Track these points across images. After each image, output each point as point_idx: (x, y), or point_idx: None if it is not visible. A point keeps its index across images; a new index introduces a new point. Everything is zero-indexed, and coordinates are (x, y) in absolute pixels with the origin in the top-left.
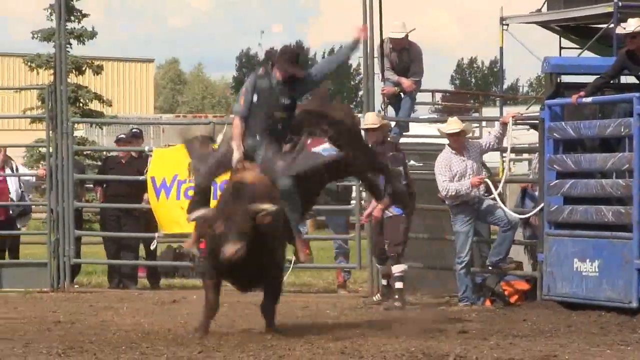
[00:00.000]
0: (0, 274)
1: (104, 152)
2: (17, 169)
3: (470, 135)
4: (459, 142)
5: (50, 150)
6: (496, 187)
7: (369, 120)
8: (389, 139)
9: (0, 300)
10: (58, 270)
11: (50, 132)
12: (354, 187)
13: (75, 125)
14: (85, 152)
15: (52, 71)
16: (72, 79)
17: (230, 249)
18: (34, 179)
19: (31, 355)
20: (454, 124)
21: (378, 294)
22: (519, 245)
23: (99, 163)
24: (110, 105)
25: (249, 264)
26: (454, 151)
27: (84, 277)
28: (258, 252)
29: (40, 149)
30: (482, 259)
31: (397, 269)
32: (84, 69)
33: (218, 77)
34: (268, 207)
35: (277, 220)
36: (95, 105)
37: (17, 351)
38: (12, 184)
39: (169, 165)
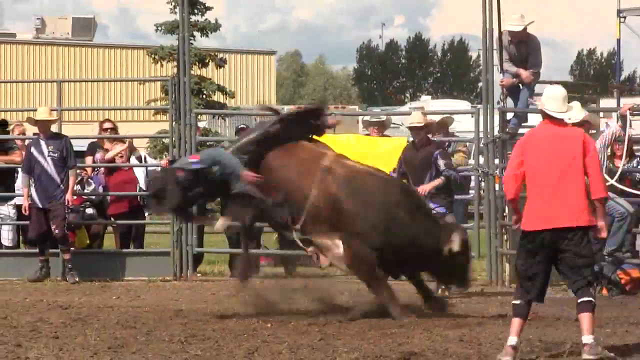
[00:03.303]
0: (125, 263)
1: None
2: (145, 159)
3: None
4: None
5: (174, 140)
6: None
7: (414, 118)
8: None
9: (124, 288)
10: (181, 259)
11: (174, 123)
12: (472, 177)
13: (199, 117)
14: (208, 143)
15: (175, 63)
16: (196, 71)
17: None
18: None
19: (153, 343)
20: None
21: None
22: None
23: None
24: (233, 97)
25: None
26: None
27: (206, 265)
28: None
29: (164, 139)
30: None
31: None
32: (207, 61)
33: (339, 68)
34: None
35: None
36: (218, 97)
37: (140, 339)
38: (141, 174)
39: None
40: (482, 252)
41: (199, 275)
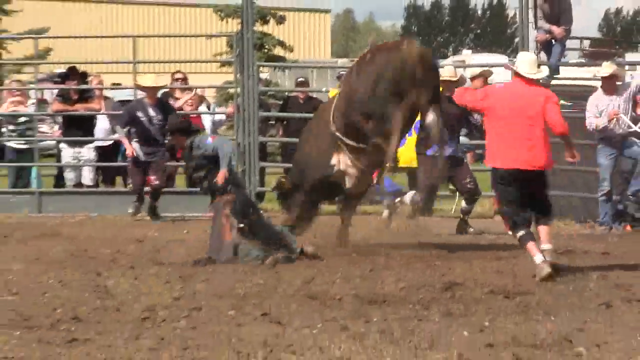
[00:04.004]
0: (194, 201)
1: (286, 93)
2: (214, 108)
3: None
4: (610, 84)
5: (238, 91)
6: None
7: (446, 72)
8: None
9: (193, 224)
10: None
11: (238, 74)
12: None
13: (261, 69)
14: (269, 93)
15: (239, 20)
16: (258, 27)
17: None
18: (224, 116)
19: (219, 273)
20: (606, 68)
21: None
22: None
23: (281, 102)
24: (292, 51)
25: None
26: (604, 92)
27: (267, 204)
28: None
29: (229, 90)
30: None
31: None
32: (268, 18)
33: (388, 25)
34: None
35: None
36: (278, 51)
37: (207, 269)
38: (207, 121)
39: None
40: None
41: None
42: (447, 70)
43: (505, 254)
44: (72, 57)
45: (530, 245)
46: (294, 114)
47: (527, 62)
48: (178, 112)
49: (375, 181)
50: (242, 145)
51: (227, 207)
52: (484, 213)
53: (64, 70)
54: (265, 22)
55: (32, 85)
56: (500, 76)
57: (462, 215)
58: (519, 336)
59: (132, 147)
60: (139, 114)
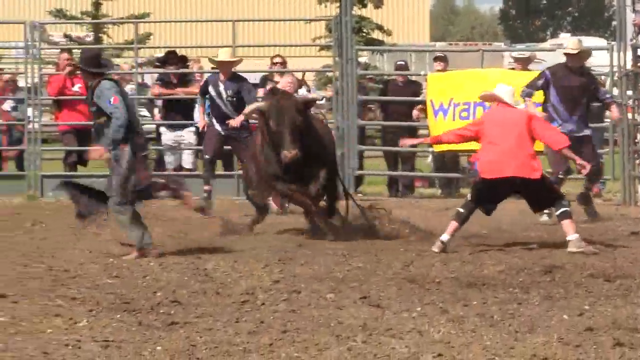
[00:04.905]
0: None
1: (385, 76)
2: (313, 92)
3: None
4: None
5: (337, 74)
6: None
7: (570, 44)
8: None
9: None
10: (344, 180)
11: (337, 58)
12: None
13: (359, 52)
14: (367, 76)
15: (338, 4)
16: (356, 11)
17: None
18: (323, 100)
19: (319, 256)
20: None
21: None
22: None
23: (380, 86)
24: (390, 35)
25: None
26: None
27: (366, 186)
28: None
29: (328, 73)
30: None
31: None
32: (365, 2)
33: (487, 8)
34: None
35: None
36: (376, 35)
37: (307, 252)
38: None
39: (444, 88)
40: (616, 175)
41: (359, 195)
42: (570, 42)
43: (604, 237)
44: (171, 42)
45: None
46: (392, 97)
47: (508, 92)
48: None
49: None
50: (340, 129)
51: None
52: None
53: (164, 55)
54: (364, 5)
55: (132, 70)
56: (598, 59)
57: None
58: (620, 320)
59: (205, 120)
60: (210, 88)
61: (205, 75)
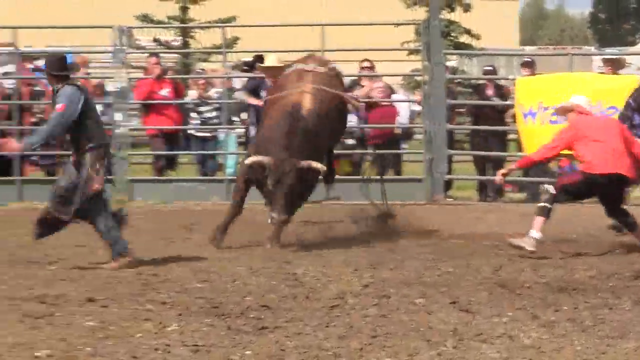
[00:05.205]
0: (385, 188)
1: (472, 81)
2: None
3: None
4: None
5: (425, 78)
6: None
7: None
8: None
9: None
10: (433, 185)
11: (426, 62)
12: None
13: (448, 57)
14: (456, 80)
15: (426, 8)
16: (444, 15)
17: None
18: (413, 105)
19: (408, 260)
20: None
21: None
22: None
23: (469, 90)
24: (479, 39)
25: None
26: None
27: (456, 191)
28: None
29: (416, 77)
30: None
31: None
32: (454, 6)
33: (577, 13)
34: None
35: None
36: (465, 39)
37: (396, 257)
38: (404, 109)
39: (533, 92)
40: None
41: (449, 199)
42: None
43: None
44: (259, 46)
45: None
46: (482, 101)
47: (585, 102)
48: (367, 99)
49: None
50: (429, 133)
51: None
52: None
53: (252, 59)
54: (452, 10)
55: (223, 74)
56: None
57: None
58: None
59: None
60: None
61: None
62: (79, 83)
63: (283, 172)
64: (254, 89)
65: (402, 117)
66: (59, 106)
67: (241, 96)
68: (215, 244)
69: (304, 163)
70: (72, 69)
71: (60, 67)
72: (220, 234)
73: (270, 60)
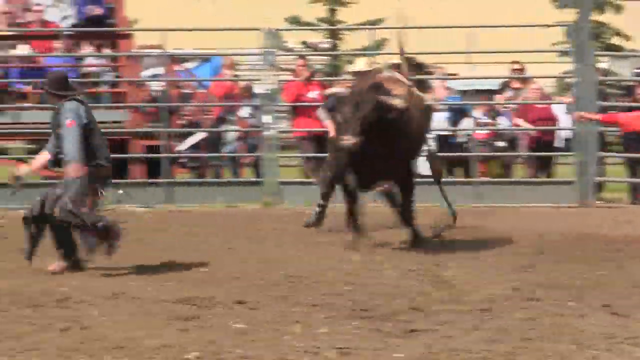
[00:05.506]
0: (533, 190)
1: (623, 82)
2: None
3: None
4: None
5: (576, 80)
6: None
7: None
8: None
9: (530, 214)
10: (584, 187)
11: (576, 64)
12: None
13: (599, 58)
14: (607, 82)
15: (576, 10)
16: (595, 16)
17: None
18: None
19: (563, 263)
20: None
21: None
22: None
23: (621, 92)
24: (628, 40)
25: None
26: None
27: (607, 193)
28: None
29: (567, 79)
30: None
31: None
32: (604, 8)
33: None
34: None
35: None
36: (615, 40)
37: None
38: (560, 112)
39: None
40: None
41: (599, 202)
42: None
43: None
44: (408, 48)
45: None
46: (633, 103)
47: None
48: (517, 102)
49: None
50: (579, 135)
51: None
52: None
53: (398, 61)
54: (602, 11)
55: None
56: None
57: None
58: None
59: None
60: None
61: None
62: (80, 97)
63: (362, 99)
64: (333, 107)
65: (563, 123)
66: (68, 121)
67: (320, 115)
68: (355, 246)
69: (383, 97)
70: (73, 88)
71: (61, 87)
72: (355, 234)
73: (359, 65)
